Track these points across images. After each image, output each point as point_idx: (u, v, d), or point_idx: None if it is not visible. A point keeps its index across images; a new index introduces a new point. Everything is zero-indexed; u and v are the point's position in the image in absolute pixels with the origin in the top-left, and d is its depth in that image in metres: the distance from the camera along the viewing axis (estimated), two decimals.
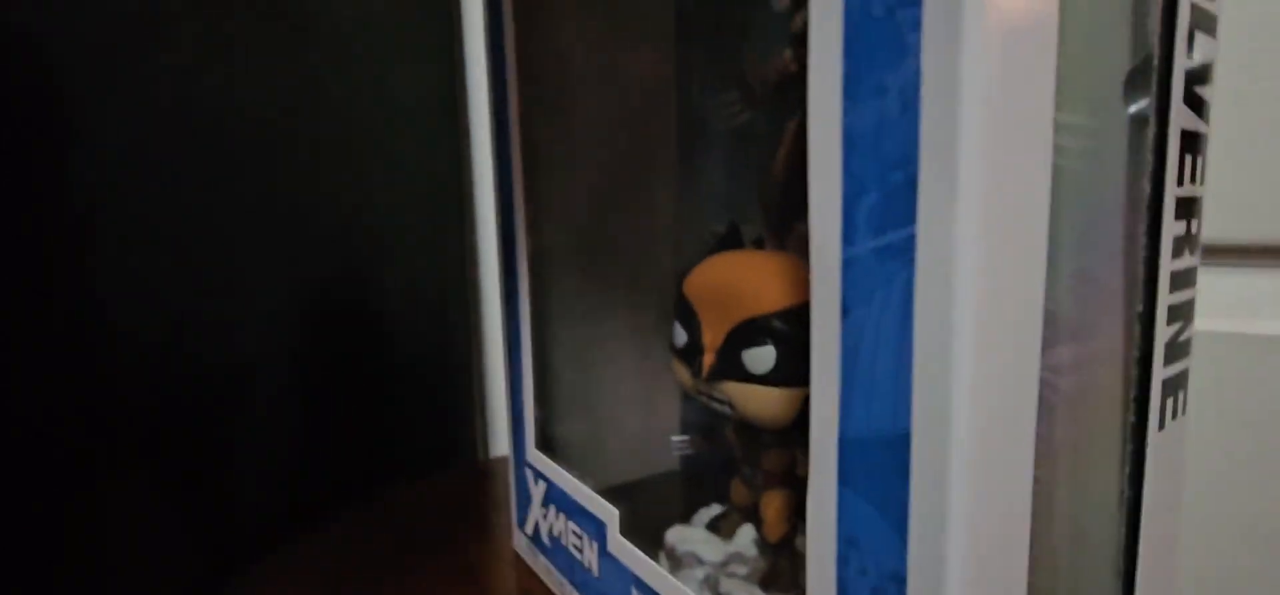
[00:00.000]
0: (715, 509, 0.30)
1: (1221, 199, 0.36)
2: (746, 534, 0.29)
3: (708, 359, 0.26)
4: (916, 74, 0.13)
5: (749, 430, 0.27)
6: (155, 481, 0.29)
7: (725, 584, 0.27)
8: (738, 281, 0.25)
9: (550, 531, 0.31)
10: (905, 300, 0.13)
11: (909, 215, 0.13)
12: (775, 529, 0.27)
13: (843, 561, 0.15)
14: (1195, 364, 0.37)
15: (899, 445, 0.14)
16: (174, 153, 0.29)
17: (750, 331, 0.24)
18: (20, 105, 0.24)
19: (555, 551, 0.31)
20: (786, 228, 0.31)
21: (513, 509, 0.36)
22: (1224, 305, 0.38)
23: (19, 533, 0.24)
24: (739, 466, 0.29)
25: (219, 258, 0.31)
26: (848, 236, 0.14)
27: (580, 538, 0.29)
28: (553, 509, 0.31)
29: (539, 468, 0.32)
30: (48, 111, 0.24)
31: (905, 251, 0.13)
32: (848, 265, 0.15)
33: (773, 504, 0.27)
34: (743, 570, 0.27)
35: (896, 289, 0.14)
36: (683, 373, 0.28)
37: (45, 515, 0.25)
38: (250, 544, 0.33)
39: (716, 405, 0.26)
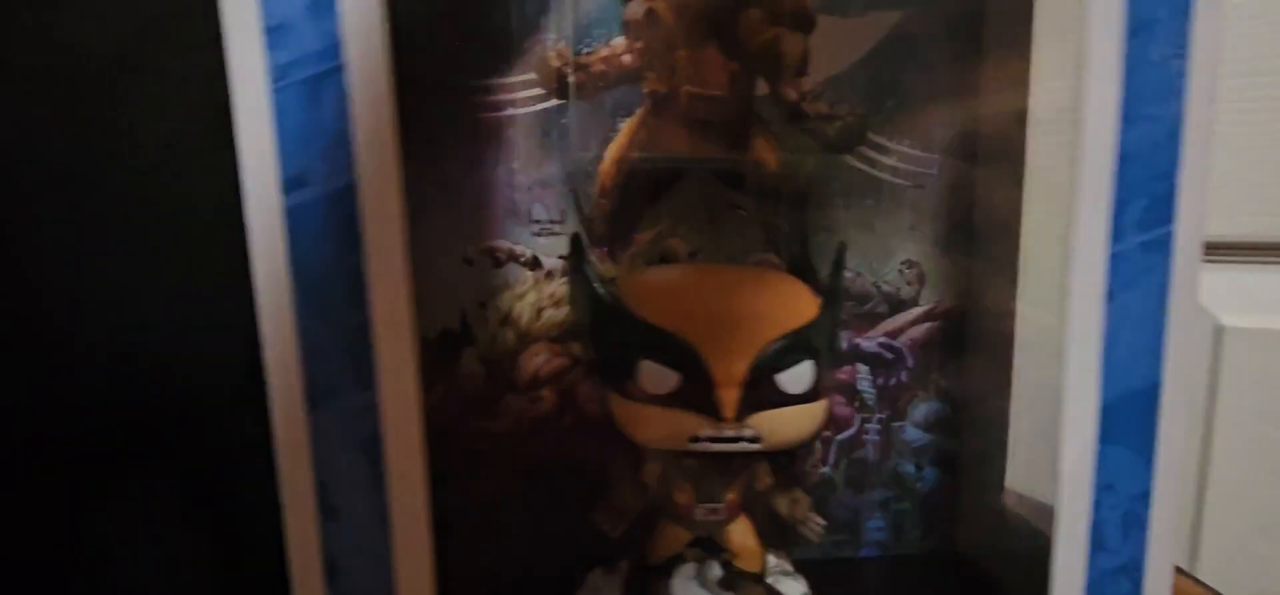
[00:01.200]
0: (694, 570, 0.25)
1: (1253, 196, 0.37)
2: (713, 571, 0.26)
3: (733, 394, 0.22)
4: (1181, 110, 0.18)
5: (714, 467, 0.24)
6: None
7: None
8: (750, 303, 0.23)
9: None
10: (1164, 282, 0.18)
11: (1169, 216, 0.18)
12: (758, 558, 0.25)
13: (1098, 506, 0.19)
14: (1228, 359, 0.37)
15: (1151, 394, 0.19)
16: None
17: (784, 352, 0.22)
18: None
19: None
20: (622, 228, 0.28)
21: None
22: (1256, 302, 0.38)
23: None
24: (686, 510, 0.25)
25: None
26: (1117, 235, 0.18)
27: None
28: None
29: None
30: None
31: (1165, 245, 0.18)
32: (1115, 258, 0.18)
33: (747, 533, 0.25)
34: None
35: (1157, 275, 0.18)
36: (674, 422, 0.22)
37: None
38: None
39: (728, 445, 0.22)
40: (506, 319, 0.29)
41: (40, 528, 0.28)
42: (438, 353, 0.28)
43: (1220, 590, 0.30)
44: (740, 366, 0.22)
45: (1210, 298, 0.51)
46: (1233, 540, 0.45)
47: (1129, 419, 0.19)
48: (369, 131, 0.16)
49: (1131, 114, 0.18)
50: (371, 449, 0.17)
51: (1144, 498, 0.19)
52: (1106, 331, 0.18)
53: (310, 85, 0.16)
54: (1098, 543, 0.19)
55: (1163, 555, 0.19)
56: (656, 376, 0.22)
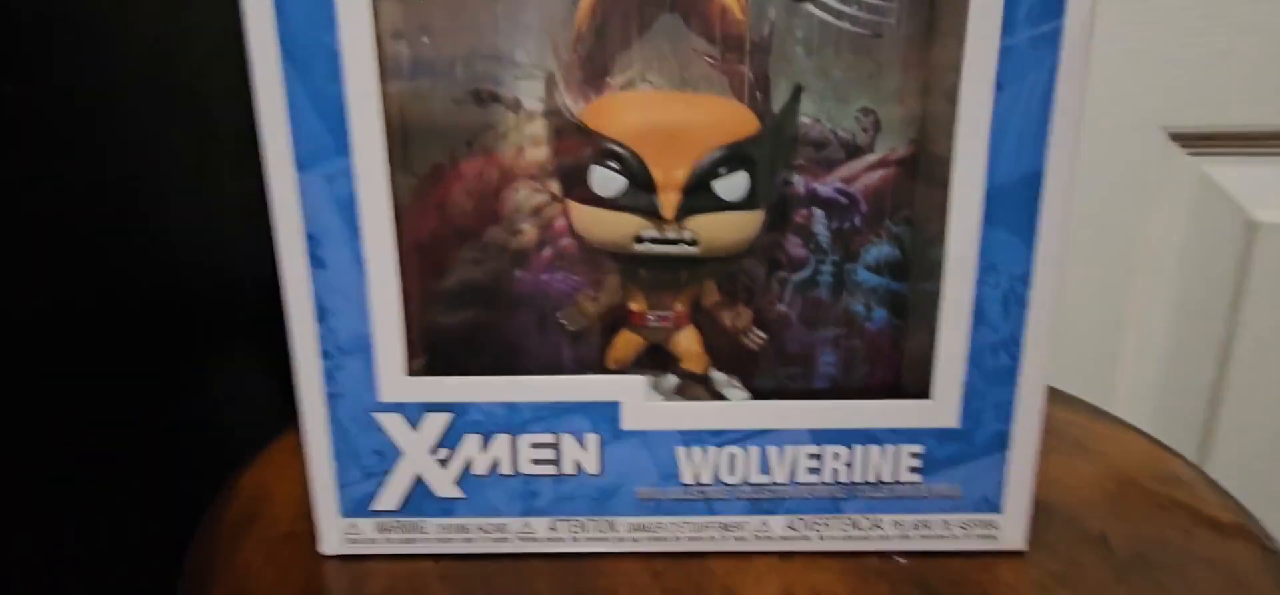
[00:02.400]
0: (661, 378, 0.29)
1: None
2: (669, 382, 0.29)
3: (672, 196, 0.25)
4: None
5: (662, 275, 0.28)
6: None
7: None
8: (691, 119, 0.25)
9: (469, 472, 0.22)
10: (1051, 76, 0.20)
11: (1058, 9, 0.20)
12: (702, 360, 0.29)
13: (980, 284, 0.21)
14: (1260, 255, 0.38)
15: (1034, 181, 0.21)
16: None
17: (720, 162, 0.25)
18: None
19: (486, 494, 0.23)
20: (596, 72, 0.30)
21: (329, 493, 0.23)
22: None
23: None
24: (638, 319, 0.28)
25: None
26: (1007, 28, 0.20)
27: (557, 447, 0.22)
28: (477, 441, 0.22)
29: (440, 397, 0.22)
30: None
31: (1053, 40, 0.20)
32: (1005, 52, 0.20)
33: (693, 340, 0.29)
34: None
35: (1044, 69, 0.20)
36: (619, 222, 0.25)
37: None
38: None
39: (671, 247, 0.25)
40: (490, 157, 0.32)
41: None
42: (429, 184, 0.31)
43: (1229, 492, 0.31)
44: (679, 172, 0.25)
45: (1240, 191, 0.51)
46: (1250, 440, 0.46)
47: (1012, 204, 0.21)
48: None
49: None
50: (347, 209, 0.21)
51: (1024, 279, 0.21)
52: (994, 121, 0.20)
53: None
54: (980, 318, 0.22)
55: (1041, 332, 0.22)
56: (606, 181, 0.25)
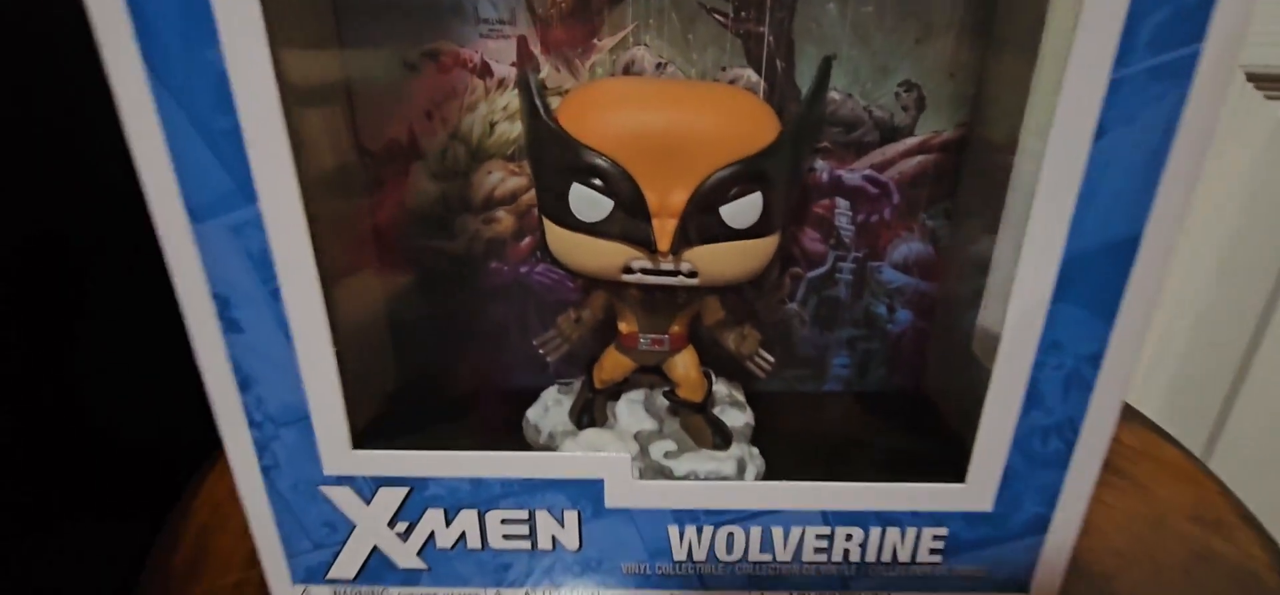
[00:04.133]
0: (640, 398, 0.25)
1: None
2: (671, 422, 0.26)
3: (669, 225, 0.20)
4: None
5: (656, 297, 0.23)
6: None
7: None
8: (695, 123, 0.20)
9: (433, 544, 0.20)
10: (1171, 118, 0.15)
11: (1197, 33, 0.14)
12: (701, 387, 0.25)
13: (1040, 364, 0.17)
14: None
15: (1126, 249, 0.16)
16: None
17: (729, 182, 0.20)
18: None
19: (453, 565, 0.20)
20: (580, 32, 0.25)
21: (278, 561, 0.20)
22: None
23: None
24: (629, 342, 0.25)
25: None
26: (1124, 54, 0.14)
27: (531, 523, 0.19)
28: (439, 515, 0.19)
29: (394, 471, 0.19)
30: None
31: (1183, 71, 0.15)
32: (1116, 86, 0.15)
33: (690, 365, 0.25)
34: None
35: (1165, 108, 0.15)
36: (602, 251, 0.21)
37: None
38: None
39: (664, 279, 0.21)
40: (456, 133, 0.27)
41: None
42: (384, 165, 0.27)
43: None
44: (678, 195, 0.20)
45: None
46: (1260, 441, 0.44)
47: (1094, 275, 0.17)
48: None
49: None
50: (262, 264, 0.17)
51: (1094, 360, 0.17)
52: (1088, 173, 0.16)
53: None
54: (1034, 400, 0.18)
55: (1104, 416, 0.18)
56: (588, 203, 0.20)
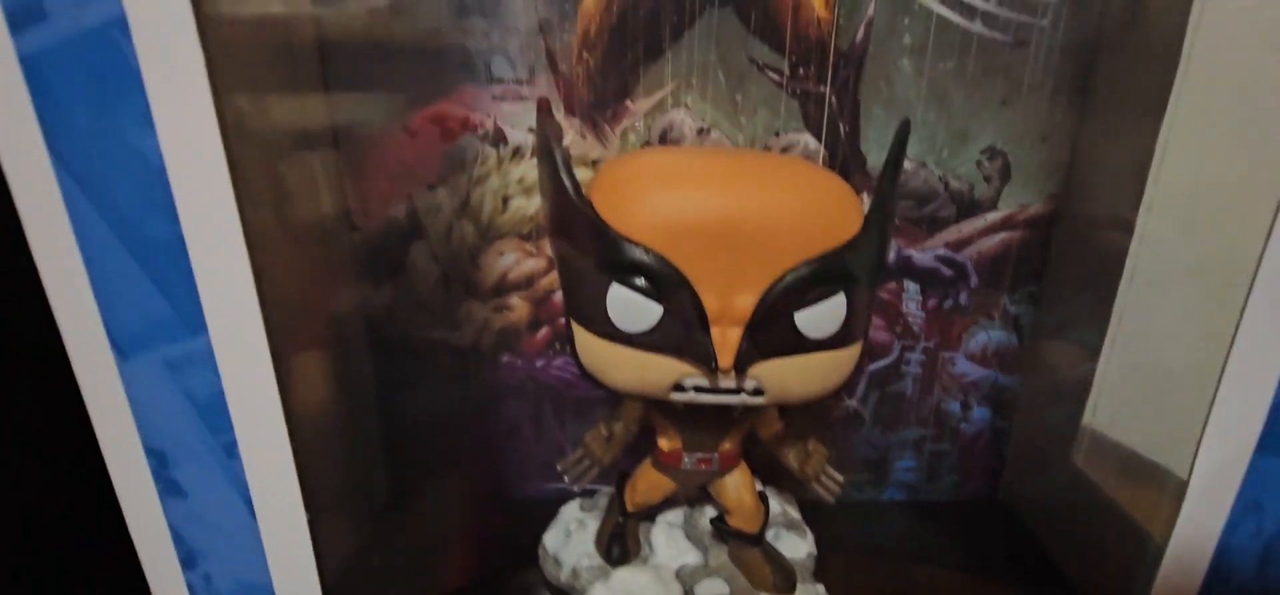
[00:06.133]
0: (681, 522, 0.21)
1: None
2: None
3: (731, 337, 0.16)
4: None
5: (709, 412, 0.19)
6: None
7: None
8: (766, 212, 0.16)
9: None
10: None
11: None
12: (757, 516, 0.21)
13: (1232, 528, 0.13)
14: None
15: None
16: None
17: (807, 283, 0.16)
18: None
19: None
20: (611, 92, 0.21)
21: None
22: None
23: None
24: (670, 459, 0.20)
25: None
26: None
27: None
28: None
29: None
30: None
31: None
32: None
33: (744, 488, 0.21)
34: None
35: None
36: (649, 366, 0.16)
37: None
38: None
39: (723, 397, 0.17)
40: (465, 208, 0.23)
41: None
42: (379, 248, 0.23)
43: None
44: (743, 300, 0.16)
45: None
46: None
47: None
48: None
49: None
50: (211, 411, 0.13)
51: None
52: None
53: None
54: (1219, 568, 0.14)
55: None
56: (631, 309, 0.16)
